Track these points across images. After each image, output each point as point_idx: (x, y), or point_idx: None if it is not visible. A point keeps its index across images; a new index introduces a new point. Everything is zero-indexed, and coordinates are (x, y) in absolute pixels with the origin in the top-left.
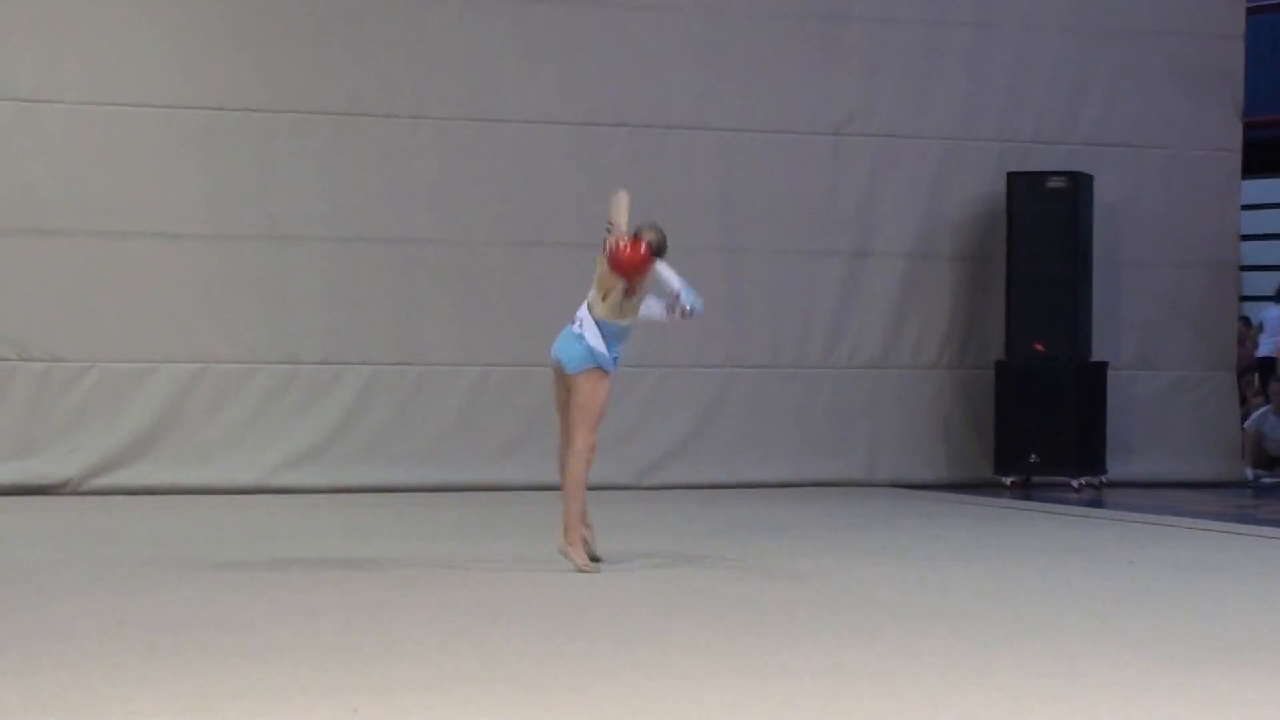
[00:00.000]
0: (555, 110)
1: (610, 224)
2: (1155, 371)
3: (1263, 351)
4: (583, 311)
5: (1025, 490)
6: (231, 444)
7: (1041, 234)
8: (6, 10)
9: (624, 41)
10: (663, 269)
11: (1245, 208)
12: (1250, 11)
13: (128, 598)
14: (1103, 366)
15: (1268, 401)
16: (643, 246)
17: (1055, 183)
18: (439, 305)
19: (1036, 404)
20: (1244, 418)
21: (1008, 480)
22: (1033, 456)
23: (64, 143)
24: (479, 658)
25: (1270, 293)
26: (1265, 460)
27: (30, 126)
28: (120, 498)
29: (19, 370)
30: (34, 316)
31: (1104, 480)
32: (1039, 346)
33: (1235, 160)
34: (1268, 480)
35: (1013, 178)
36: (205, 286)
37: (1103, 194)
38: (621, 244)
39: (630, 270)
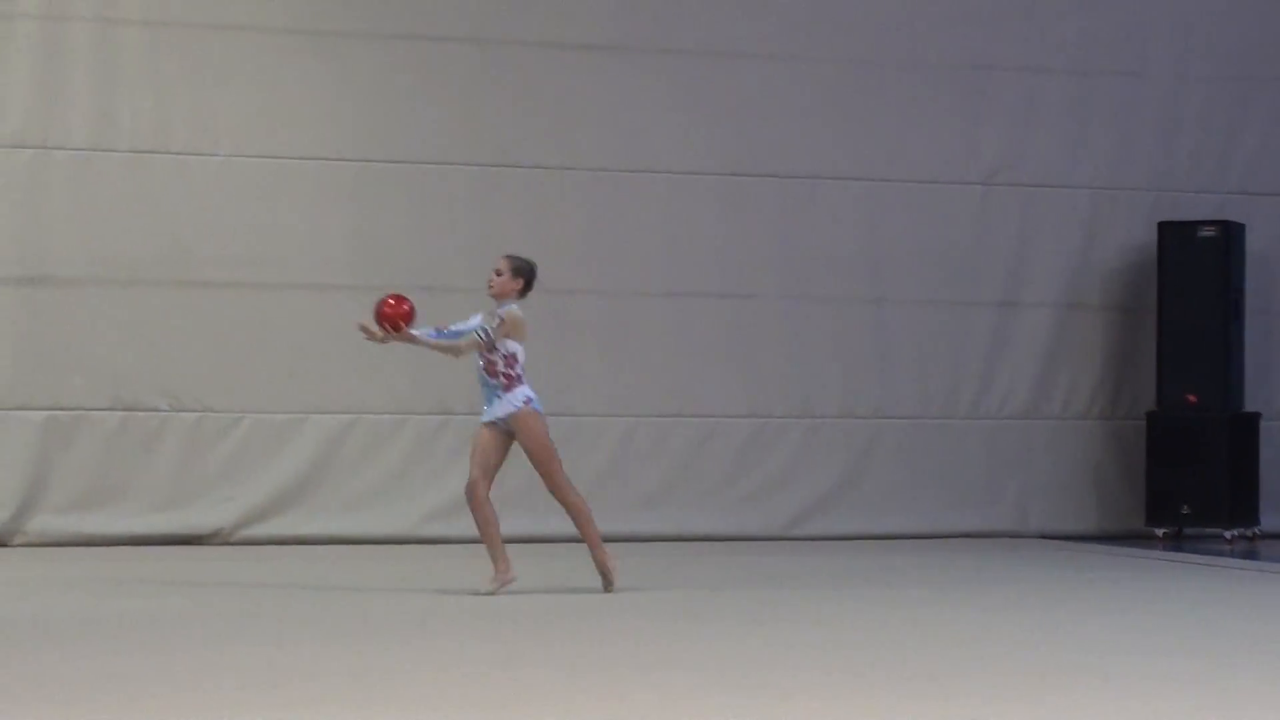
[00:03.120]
0: (704, 161)
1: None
2: None
3: None
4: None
5: (1177, 542)
6: (382, 494)
7: (1193, 283)
8: (159, 66)
9: (772, 92)
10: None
11: None
12: None
13: (278, 646)
14: (1255, 417)
15: None
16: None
17: (1207, 232)
18: (586, 356)
19: (1188, 455)
20: None
21: (1159, 532)
22: (1185, 508)
23: (215, 195)
24: (626, 711)
25: None
26: None
27: (183, 179)
28: (271, 547)
29: (171, 421)
30: (186, 367)
31: (1257, 532)
32: (1191, 398)
33: None
34: None
35: (1163, 227)
36: (355, 338)
37: (1255, 243)
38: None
39: (389, 317)
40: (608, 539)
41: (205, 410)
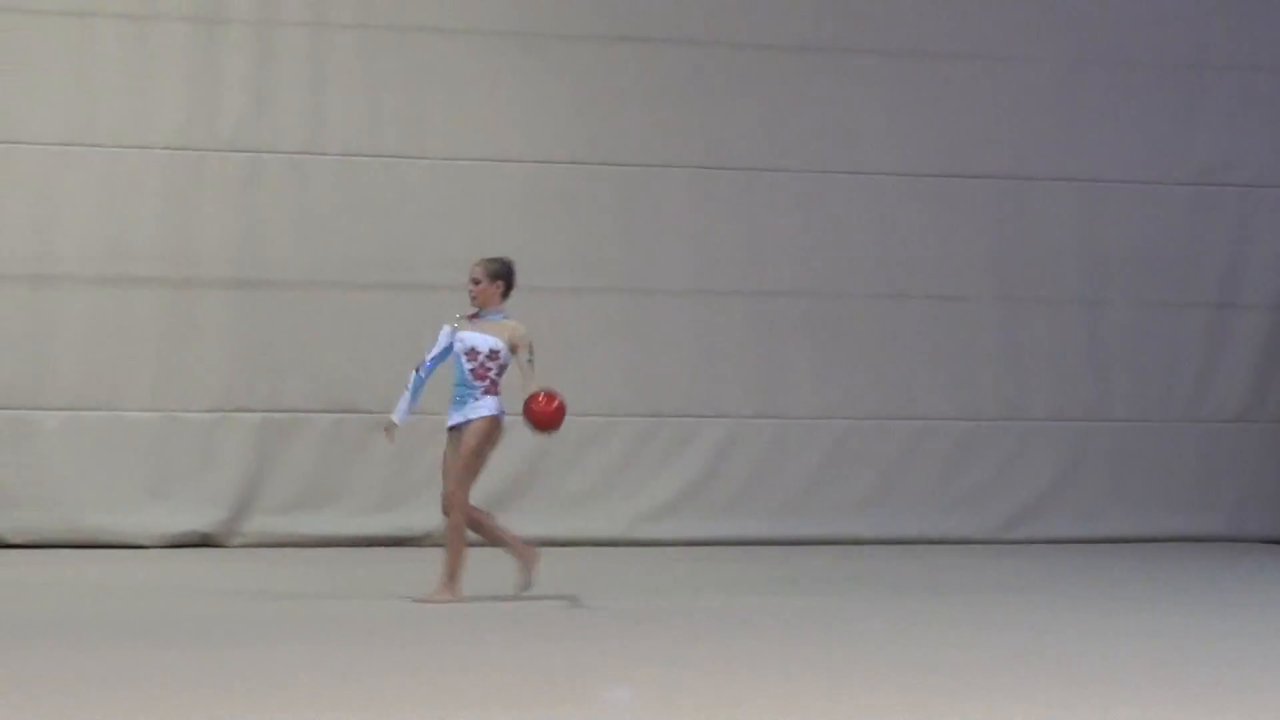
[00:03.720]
0: (915, 162)
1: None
2: None
3: None
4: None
5: None
6: (593, 496)
7: None
8: (371, 70)
9: (984, 92)
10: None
11: None
12: None
13: (485, 645)
14: None
15: None
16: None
17: None
18: (799, 358)
19: None
20: None
21: None
22: None
23: (427, 197)
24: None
25: None
26: None
27: (393, 182)
28: (483, 549)
29: (384, 423)
30: (399, 370)
31: None
32: None
33: None
34: None
35: None
36: (567, 339)
37: None
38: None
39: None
40: (822, 542)
41: (416, 413)
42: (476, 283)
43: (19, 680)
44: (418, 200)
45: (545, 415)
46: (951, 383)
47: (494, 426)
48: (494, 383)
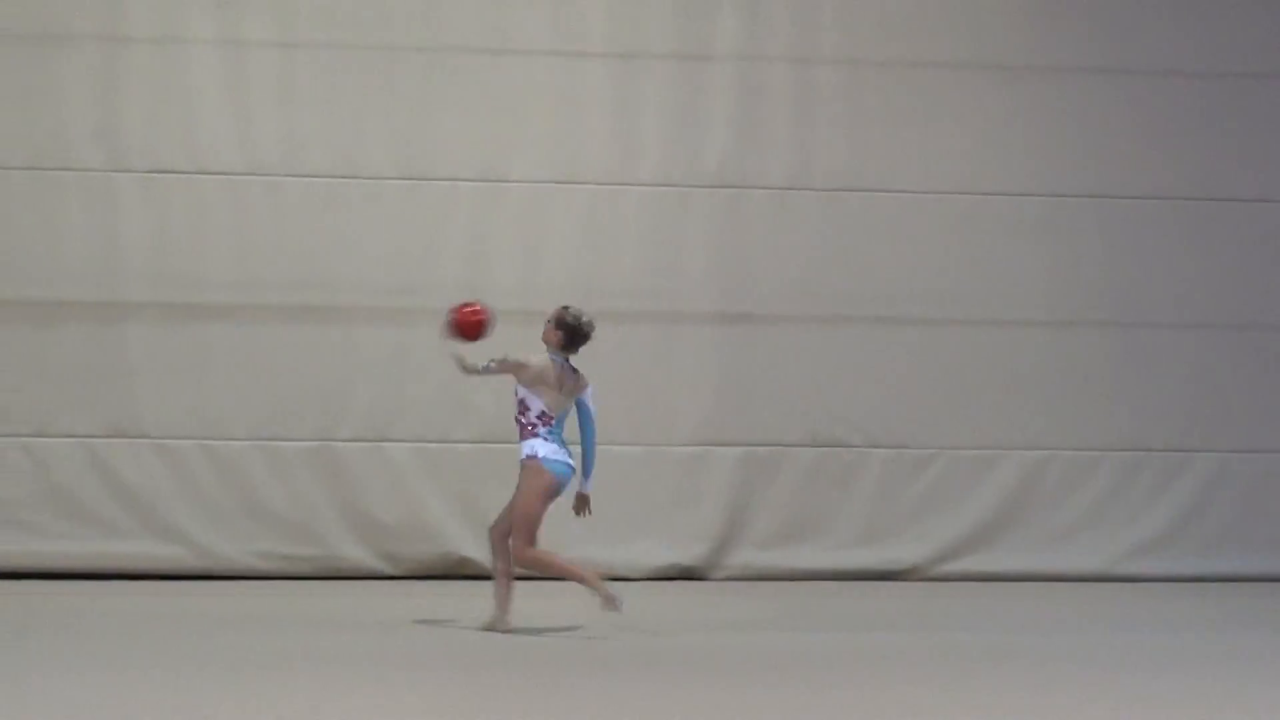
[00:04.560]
0: None
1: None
2: None
3: None
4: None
5: None
6: (1078, 531)
7: None
8: (854, 104)
9: None
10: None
11: None
12: None
13: (964, 686)
14: None
15: None
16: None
17: None
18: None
19: None
20: None
21: None
22: None
23: (907, 230)
24: None
25: None
26: None
27: (875, 215)
28: (967, 584)
29: (867, 457)
30: (880, 404)
31: None
32: None
33: None
34: None
35: None
36: (1049, 373)
37: None
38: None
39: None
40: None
41: (900, 446)
42: (547, 321)
43: (494, 708)
44: (899, 233)
45: (464, 324)
46: None
47: (535, 472)
48: (519, 423)
